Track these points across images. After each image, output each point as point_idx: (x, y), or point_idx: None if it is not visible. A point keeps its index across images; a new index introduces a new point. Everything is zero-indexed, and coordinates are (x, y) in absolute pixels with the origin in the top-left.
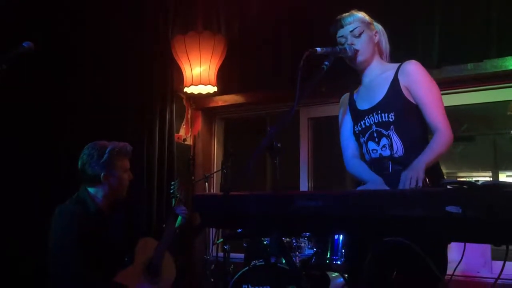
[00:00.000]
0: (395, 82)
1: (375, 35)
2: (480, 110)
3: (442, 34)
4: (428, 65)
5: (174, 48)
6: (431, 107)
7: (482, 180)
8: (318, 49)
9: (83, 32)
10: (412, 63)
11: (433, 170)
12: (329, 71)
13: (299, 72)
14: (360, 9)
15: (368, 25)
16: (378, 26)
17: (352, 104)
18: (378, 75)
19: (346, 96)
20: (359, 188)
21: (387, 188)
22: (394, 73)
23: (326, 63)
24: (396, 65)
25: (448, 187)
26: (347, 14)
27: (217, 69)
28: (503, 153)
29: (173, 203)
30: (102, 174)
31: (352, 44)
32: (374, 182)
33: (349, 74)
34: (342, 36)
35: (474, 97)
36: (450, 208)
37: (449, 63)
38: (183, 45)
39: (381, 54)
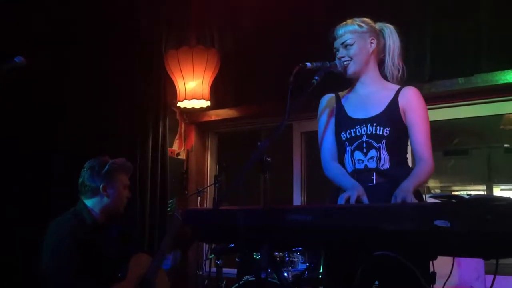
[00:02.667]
0: (394, 102)
1: (371, 43)
2: (472, 124)
3: (433, 48)
4: (419, 80)
5: (167, 63)
6: (421, 135)
7: (476, 193)
8: (308, 64)
9: (77, 46)
10: (413, 89)
11: (415, 192)
12: (321, 85)
13: (289, 87)
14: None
15: (361, 34)
16: (387, 28)
17: (340, 109)
18: (378, 91)
19: (331, 98)
20: (340, 196)
21: (365, 194)
22: (394, 93)
23: (316, 78)
24: (397, 86)
25: (437, 201)
26: (340, 25)
27: (210, 84)
28: (496, 167)
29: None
30: (101, 185)
31: (342, 57)
32: (353, 189)
33: (341, 88)
34: (335, 48)
35: (465, 111)
36: (438, 222)
37: (440, 78)
38: (176, 60)
39: (382, 58)
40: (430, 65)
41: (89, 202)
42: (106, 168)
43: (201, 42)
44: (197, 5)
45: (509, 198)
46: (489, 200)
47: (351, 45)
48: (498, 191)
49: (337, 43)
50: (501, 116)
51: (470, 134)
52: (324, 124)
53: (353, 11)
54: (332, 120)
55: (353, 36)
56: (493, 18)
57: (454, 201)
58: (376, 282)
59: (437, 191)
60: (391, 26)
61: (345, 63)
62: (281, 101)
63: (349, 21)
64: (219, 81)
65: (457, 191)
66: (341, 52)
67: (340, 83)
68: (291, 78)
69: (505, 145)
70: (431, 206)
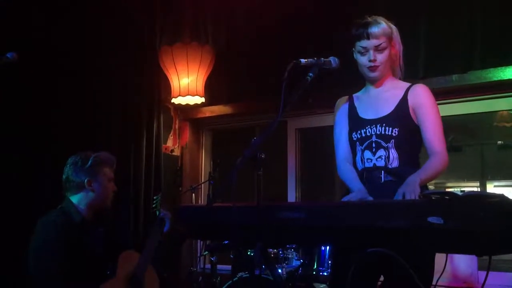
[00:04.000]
0: (404, 101)
1: (392, 48)
2: (466, 121)
3: (426, 46)
4: (413, 77)
5: (162, 59)
6: (434, 131)
7: (469, 190)
8: (302, 60)
9: (69, 43)
10: (423, 86)
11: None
12: (316, 82)
13: (283, 83)
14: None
15: (389, 38)
16: (395, 29)
17: (352, 110)
18: (388, 90)
19: (343, 99)
20: (344, 199)
21: (369, 198)
22: (404, 92)
23: (311, 74)
24: (406, 84)
25: (431, 197)
26: (372, 22)
27: (204, 80)
28: (490, 163)
29: (156, 216)
30: (86, 179)
31: (374, 60)
32: (358, 192)
33: (337, 85)
34: (364, 48)
35: (459, 108)
36: (432, 219)
37: (434, 75)
38: (170, 56)
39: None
40: (423, 62)
41: (74, 199)
42: (89, 163)
43: (196, 39)
44: (191, 1)
45: (502, 195)
46: (482, 197)
47: (385, 49)
48: (492, 187)
49: (369, 44)
50: (494, 113)
51: (464, 131)
52: (338, 126)
53: (348, 8)
54: (345, 121)
55: (386, 39)
56: (487, 15)
57: (447, 197)
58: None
59: (431, 187)
60: (395, 27)
61: (372, 66)
62: (276, 97)
63: (378, 18)
64: (213, 78)
65: (451, 187)
66: (372, 55)
67: (338, 81)
68: (285, 75)
69: (499, 142)
70: (425, 202)
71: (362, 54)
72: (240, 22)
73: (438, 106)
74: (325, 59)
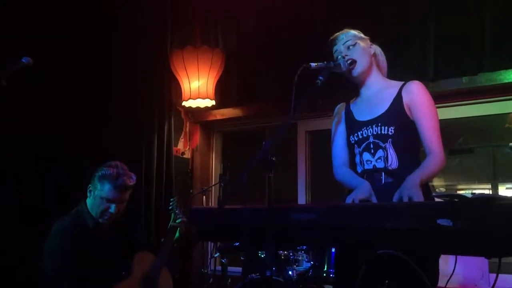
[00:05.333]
0: (398, 98)
1: (371, 47)
2: (476, 123)
3: (436, 48)
4: (423, 79)
5: (172, 63)
6: (429, 129)
7: (480, 193)
8: (312, 64)
9: (82, 46)
10: (417, 84)
11: (423, 186)
12: (326, 84)
13: (293, 87)
14: (354, 27)
15: (362, 38)
16: (377, 48)
17: (348, 114)
18: (381, 90)
19: (341, 106)
20: (348, 197)
21: (373, 192)
22: (398, 90)
23: (321, 77)
24: (400, 83)
25: (439, 200)
26: (340, 32)
27: (215, 83)
28: (502, 166)
29: (171, 218)
30: (88, 186)
31: (347, 55)
32: (361, 187)
33: (346, 87)
34: (336, 51)
35: (469, 110)
36: (441, 221)
37: (444, 77)
38: (181, 60)
39: (380, 70)
40: (434, 64)
41: (88, 202)
42: (98, 172)
43: (206, 42)
44: (201, 5)
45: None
46: (491, 199)
47: (353, 45)
48: (504, 189)
49: (338, 46)
50: (506, 114)
51: (475, 133)
52: (335, 131)
53: (357, 10)
54: (342, 127)
55: (354, 39)
56: (497, 17)
57: (456, 200)
58: None
59: (442, 189)
60: (379, 48)
61: (349, 63)
62: (286, 100)
63: (346, 29)
64: (223, 81)
65: (462, 189)
66: (345, 52)
67: (346, 83)
68: (295, 78)
69: (510, 144)
70: (434, 205)
71: (341, 55)
72: (250, 25)
73: (448, 108)
74: (335, 63)
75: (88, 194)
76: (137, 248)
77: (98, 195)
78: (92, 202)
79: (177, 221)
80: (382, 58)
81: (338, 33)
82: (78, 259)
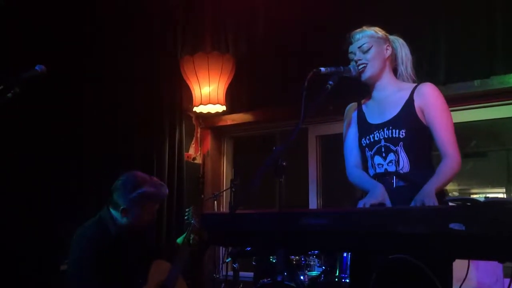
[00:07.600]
0: (410, 101)
1: (386, 50)
2: (489, 126)
3: (447, 51)
4: (435, 82)
5: (183, 68)
6: (443, 132)
7: (493, 197)
8: (322, 69)
9: (95, 52)
10: (429, 86)
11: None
12: (336, 89)
13: (303, 91)
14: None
15: (378, 40)
16: (398, 40)
17: (360, 116)
18: (393, 93)
19: (353, 106)
20: (360, 202)
21: (387, 195)
22: (410, 92)
23: (331, 82)
24: (412, 85)
25: (452, 204)
26: (357, 30)
27: (225, 88)
28: None
29: (187, 229)
30: (122, 208)
31: (360, 59)
32: (374, 191)
33: (356, 91)
34: (351, 52)
35: (481, 113)
36: (453, 225)
37: (456, 80)
38: (192, 66)
39: (395, 67)
40: (445, 68)
41: (113, 212)
42: (135, 194)
43: (216, 48)
44: (212, 11)
45: None
46: (504, 203)
47: (369, 49)
48: None
49: (353, 47)
50: None
51: (487, 136)
52: (347, 133)
53: (368, 12)
54: (354, 128)
55: (370, 41)
56: (508, 20)
57: (469, 204)
58: None
59: (456, 193)
60: (401, 39)
61: (360, 67)
62: (296, 105)
63: (364, 27)
64: (234, 86)
65: (475, 193)
66: (358, 55)
67: (356, 87)
68: (305, 83)
69: None
70: (446, 209)
71: (352, 60)
72: (261, 30)
73: (460, 111)
74: (345, 67)
75: (121, 214)
76: (152, 255)
77: (138, 215)
78: (127, 222)
79: (191, 236)
80: (403, 51)
81: (355, 31)
82: (98, 269)
